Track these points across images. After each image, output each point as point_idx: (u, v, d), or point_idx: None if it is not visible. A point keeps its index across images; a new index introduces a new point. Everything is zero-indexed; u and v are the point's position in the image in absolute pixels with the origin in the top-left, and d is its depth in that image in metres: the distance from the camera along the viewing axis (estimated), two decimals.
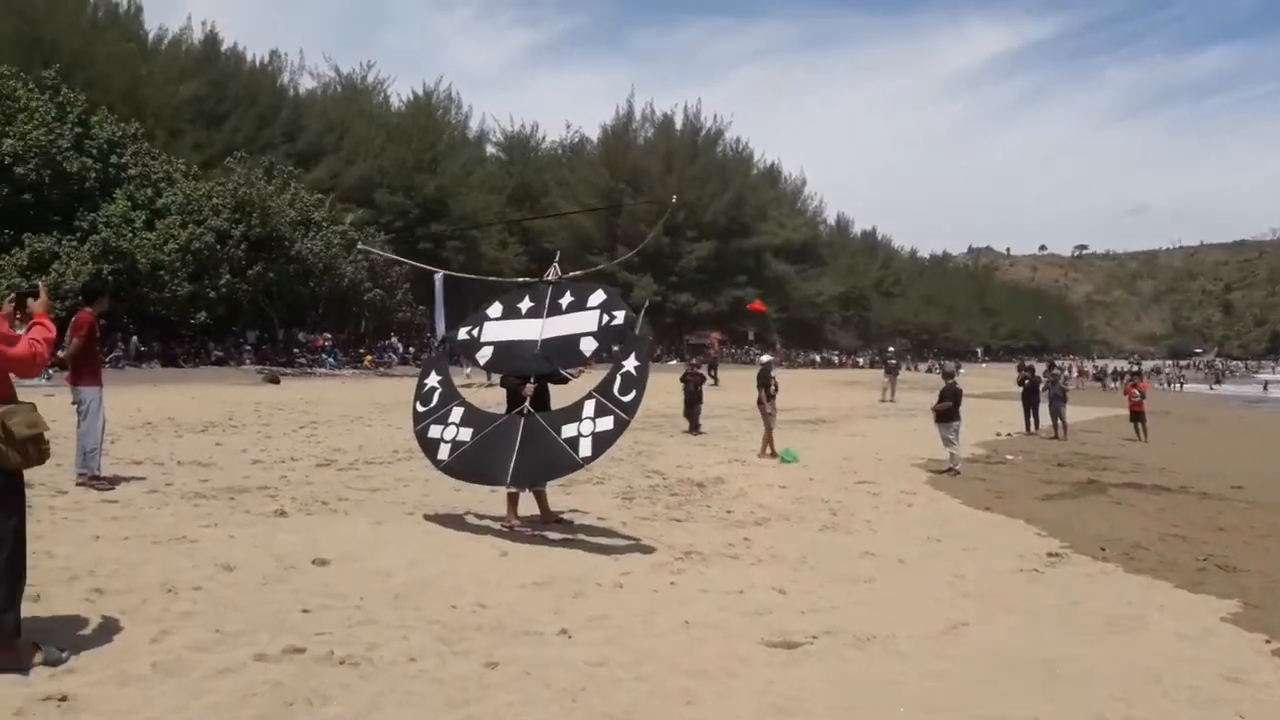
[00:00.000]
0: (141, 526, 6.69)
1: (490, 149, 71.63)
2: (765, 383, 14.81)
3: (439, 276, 32.68)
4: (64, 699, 3.50)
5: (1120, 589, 7.12)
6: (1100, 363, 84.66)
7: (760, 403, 14.83)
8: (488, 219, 55.06)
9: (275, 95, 52.54)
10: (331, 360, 38.35)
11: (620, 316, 7.70)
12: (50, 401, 10.38)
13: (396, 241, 46.50)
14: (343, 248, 37.77)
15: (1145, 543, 8.96)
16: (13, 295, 4.32)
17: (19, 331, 4.12)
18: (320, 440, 13.70)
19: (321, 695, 3.73)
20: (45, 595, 4.79)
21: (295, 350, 38.03)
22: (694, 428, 17.43)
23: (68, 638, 4.20)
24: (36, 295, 4.28)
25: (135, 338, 31.46)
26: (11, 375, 3.98)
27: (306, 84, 59.53)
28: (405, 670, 4.14)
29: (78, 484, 8.09)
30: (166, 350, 32.89)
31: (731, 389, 31.89)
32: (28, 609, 4.48)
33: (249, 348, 36.46)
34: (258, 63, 54.50)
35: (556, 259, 9.00)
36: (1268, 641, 5.71)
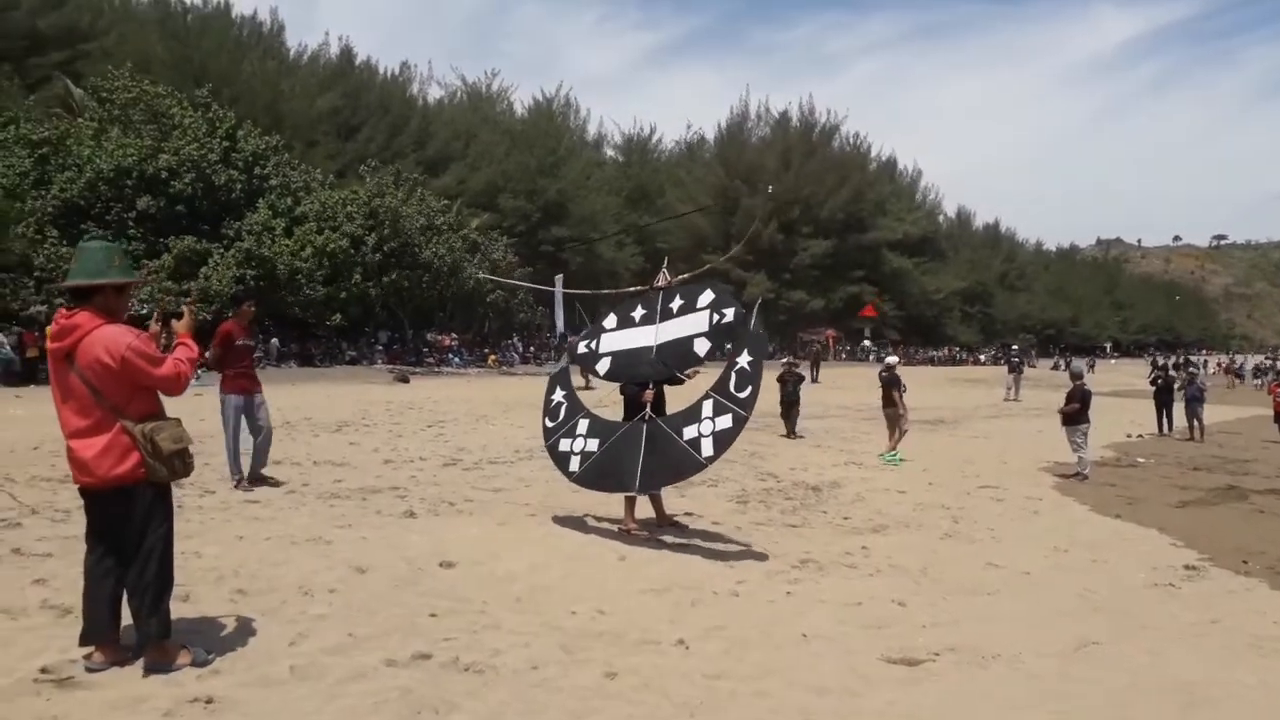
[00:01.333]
0: (281, 527, 7.07)
1: (609, 151, 72.44)
2: (896, 384, 14.45)
3: (559, 279, 33.33)
4: (210, 700, 3.74)
5: (1266, 606, 6.75)
6: (1238, 358, 79.37)
7: (894, 404, 14.40)
8: (605, 226, 55.66)
9: (406, 105, 54.53)
10: (457, 360, 39.51)
11: (730, 313, 7.69)
12: (199, 400, 11.07)
13: (519, 244, 47.61)
14: (465, 251, 38.86)
15: None
16: (158, 316, 4.61)
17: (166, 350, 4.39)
18: (447, 439, 14.15)
19: (448, 703, 3.88)
20: (194, 595, 5.11)
21: (424, 350, 39.32)
22: (791, 432, 16.76)
23: (213, 639, 4.49)
24: (181, 316, 4.52)
25: (275, 340, 33.09)
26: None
27: (435, 93, 61.68)
28: (528, 679, 4.26)
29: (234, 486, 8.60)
30: (304, 350, 34.50)
31: (848, 388, 31.40)
32: (178, 609, 4.81)
33: (380, 348, 37.88)
34: (389, 74, 56.78)
35: (665, 264, 9.07)
36: None
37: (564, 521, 8.11)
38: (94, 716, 3.51)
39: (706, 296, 7.99)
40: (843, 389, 30.69)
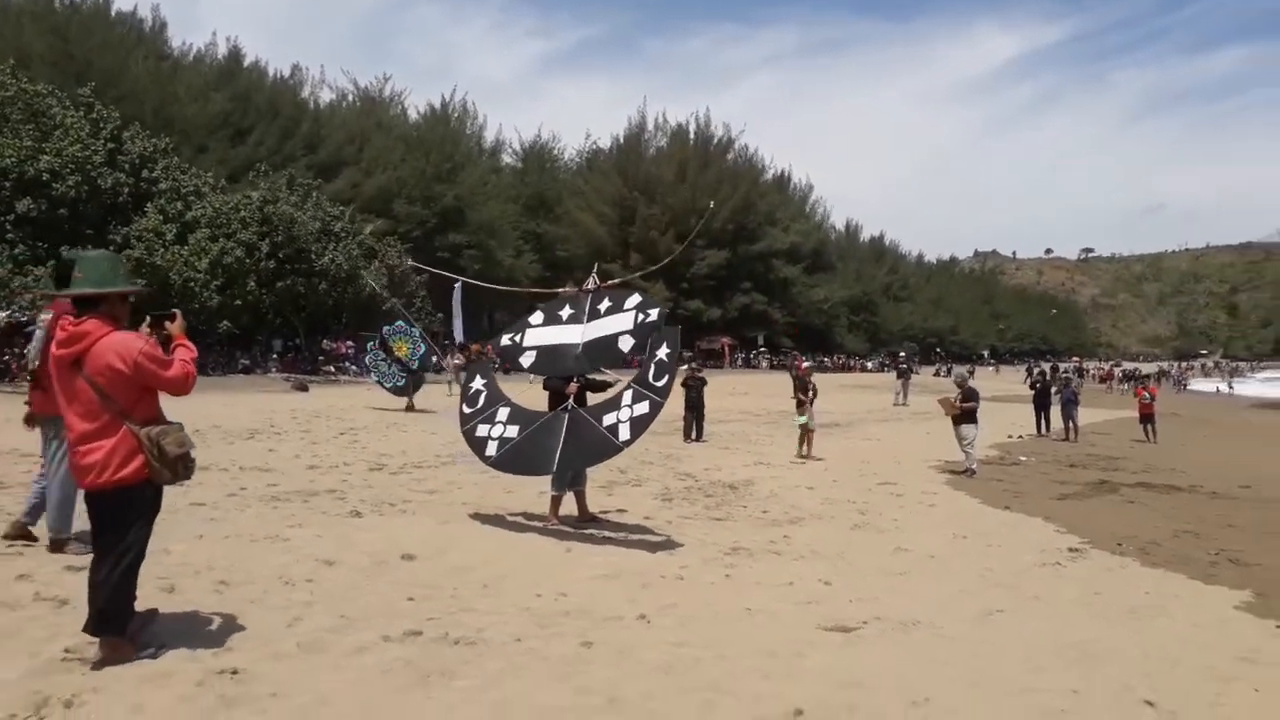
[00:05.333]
0: (233, 527, 7.26)
1: (506, 158, 72.50)
2: (804, 387, 15.62)
3: (457, 285, 33.37)
4: (235, 672, 4.04)
5: (1138, 581, 7.64)
6: (1105, 365, 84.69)
7: (799, 405, 15.61)
8: (503, 234, 55.74)
9: (297, 109, 53.69)
10: (355, 368, 38.95)
11: (654, 314, 8.28)
12: None
13: (414, 250, 47.20)
14: (362, 257, 38.42)
15: (1159, 539, 9.45)
16: (149, 319, 4.76)
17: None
18: (364, 446, 14.27)
19: (449, 670, 4.28)
20: (179, 587, 5.34)
21: (320, 358, 38.68)
22: (698, 435, 17.27)
23: (211, 623, 4.76)
24: (173, 318, 4.65)
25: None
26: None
27: (326, 97, 60.65)
28: (515, 649, 4.69)
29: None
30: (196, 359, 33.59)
31: (749, 393, 32.43)
32: (168, 600, 5.06)
33: (275, 356, 37.10)
34: (279, 76, 55.73)
35: (595, 269, 9.60)
36: (1279, 627, 6.22)
37: (503, 519, 8.50)
38: (129, 691, 3.76)
39: (634, 299, 8.58)
40: (744, 394, 31.69)
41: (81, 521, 5.84)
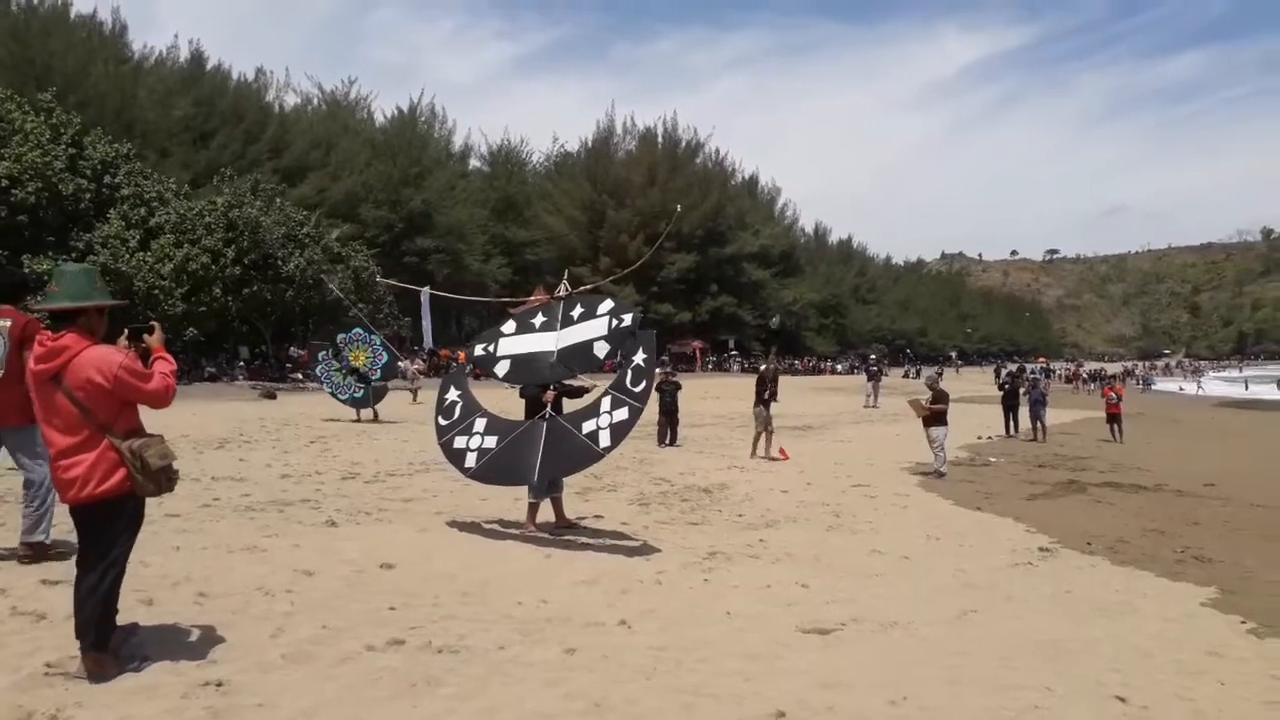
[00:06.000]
0: (210, 539, 7.21)
1: (474, 162, 72.28)
2: (763, 388, 15.75)
3: (425, 290, 33.24)
4: (220, 684, 4.03)
5: (1108, 579, 7.77)
6: (1072, 365, 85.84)
7: (757, 406, 15.77)
8: (472, 238, 55.49)
9: (261, 112, 53.23)
10: (317, 373, 38.62)
11: (628, 319, 8.30)
12: None
13: (381, 255, 46.94)
14: (327, 261, 38.14)
15: (1127, 537, 9.62)
16: (127, 332, 4.71)
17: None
18: (335, 454, 14.19)
19: (434, 678, 4.30)
20: (157, 600, 5.31)
21: (288, 365, 38.34)
22: (672, 439, 17.28)
23: (193, 635, 4.73)
24: (151, 331, 4.59)
25: None
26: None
27: (290, 100, 60.18)
28: (499, 656, 4.71)
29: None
30: None
31: (721, 397, 32.52)
32: (147, 613, 5.03)
33: (241, 363, 36.73)
34: (242, 80, 55.16)
35: (565, 276, 9.63)
36: (1243, 623, 6.36)
37: (480, 526, 8.50)
38: (114, 705, 3.74)
39: (606, 305, 8.61)
40: (716, 398, 31.81)
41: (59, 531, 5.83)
